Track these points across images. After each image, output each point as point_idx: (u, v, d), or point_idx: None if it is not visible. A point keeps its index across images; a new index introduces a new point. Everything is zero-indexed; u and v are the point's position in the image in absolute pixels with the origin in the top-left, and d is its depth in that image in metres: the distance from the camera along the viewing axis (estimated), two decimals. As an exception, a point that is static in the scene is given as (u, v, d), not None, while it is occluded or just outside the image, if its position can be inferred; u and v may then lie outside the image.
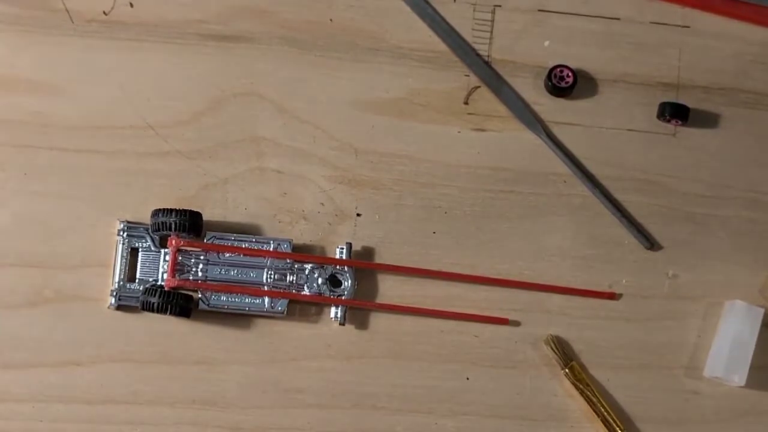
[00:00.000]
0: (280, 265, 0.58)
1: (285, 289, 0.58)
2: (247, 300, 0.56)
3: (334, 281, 0.58)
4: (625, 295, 0.60)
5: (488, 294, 0.60)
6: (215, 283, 0.57)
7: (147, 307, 0.56)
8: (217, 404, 0.57)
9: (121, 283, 0.57)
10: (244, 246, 0.57)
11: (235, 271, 0.57)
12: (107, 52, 0.59)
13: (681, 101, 0.62)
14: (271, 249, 0.58)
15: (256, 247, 0.57)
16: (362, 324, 0.59)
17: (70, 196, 0.58)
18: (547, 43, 0.62)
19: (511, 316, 0.60)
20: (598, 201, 0.61)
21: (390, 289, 0.59)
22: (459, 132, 0.61)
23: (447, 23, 0.61)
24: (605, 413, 0.58)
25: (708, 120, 0.62)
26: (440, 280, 0.59)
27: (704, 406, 0.60)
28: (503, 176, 0.61)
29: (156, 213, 0.56)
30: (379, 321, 0.59)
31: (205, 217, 0.57)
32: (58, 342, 0.57)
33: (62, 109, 0.58)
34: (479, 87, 0.61)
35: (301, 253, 0.58)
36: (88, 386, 0.56)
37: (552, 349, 0.59)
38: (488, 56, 0.62)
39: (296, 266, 0.58)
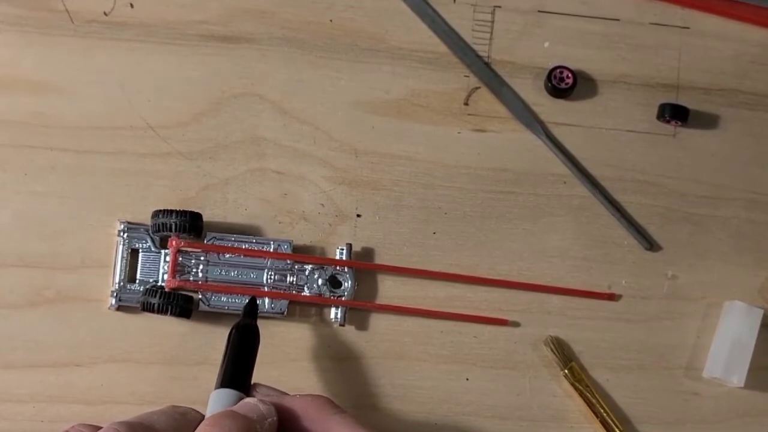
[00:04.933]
0: (280, 266, 0.58)
1: (285, 289, 0.58)
2: (247, 301, 0.56)
3: (334, 282, 0.58)
4: (625, 296, 0.61)
5: (488, 295, 0.60)
6: (215, 283, 0.57)
7: (147, 308, 0.56)
8: (217, 405, 0.57)
9: (122, 283, 0.57)
10: (244, 247, 0.57)
11: (236, 272, 0.57)
12: (108, 53, 0.59)
13: (681, 102, 0.62)
14: (272, 250, 0.58)
15: (256, 248, 0.58)
16: (362, 325, 0.59)
17: (70, 197, 0.58)
18: (546, 44, 0.62)
19: (510, 317, 0.60)
20: (598, 202, 0.61)
21: (390, 289, 0.59)
22: (459, 133, 0.61)
23: (447, 24, 0.61)
24: (604, 414, 0.58)
25: (708, 121, 0.62)
26: (440, 280, 0.59)
27: (703, 407, 0.60)
28: (503, 177, 0.61)
29: (156, 214, 0.56)
30: (379, 322, 0.59)
31: (205, 218, 0.57)
32: (58, 342, 0.57)
33: (62, 110, 0.59)
34: (479, 88, 0.61)
35: (302, 253, 0.58)
36: (89, 386, 0.56)
37: (551, 349, 0.59)
38: (488, 57, 0.62)
39: (296, 267, 0.58)
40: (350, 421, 0.48)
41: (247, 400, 0.48)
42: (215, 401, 0.49)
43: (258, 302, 0.56)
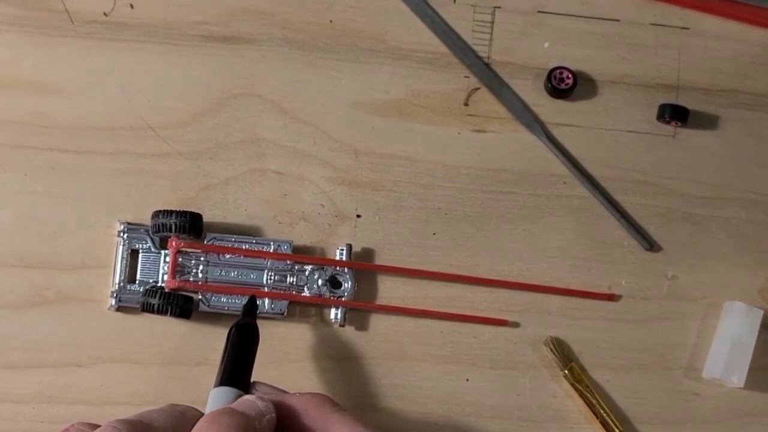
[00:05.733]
0: (280, 267, 0.58)
1: (285, 290, 0.58)
2: (247, 301, 0.56)
3: (334, 282, 0.58)
4: (625, 296, 0.61)
5: (488, 295, 0.60)
6: (215, 284, 0.57)
7: (147, 309, 0.56)
8: (217, 405, 0.57)
9: (122, 284, 0.57)
10: (244, 247, 0.57)
11: (236, 273, 0.57)
12: (107, 53, 0.59)
13: (681, 103, 0.62)
14: (272, 250, 0.58)
15: (256, 249, 0.58)
16: (362, 325, 0.59)
17: (70, 197, 0.58)
18: (546, 44, 0.62)
19: (510, 318, 0.60)
20: (598, 202, 0.61)
21: (390, 290, 0.59)
22: (459, 133, 0.61)
23: (447, 24, 0.61)
24: (604, 414, 0.58)
25: (707, 121, 0.62)
26: (440, 281, 0.59)
27: (703, 407, 0.60)
28: (503, 177, 0.61)
29: (156, 214, 0.56)
30: (379, 322, 0.59)
31: (205, 218, 0.57)
32: (58, 343, 0.57)
33: (62, 110, 0.59)
34: (479, 88, 0.61)
35: (301, 254, 0.58)
36: (89, 387, 0.56)
37: (551, 350, 0.59)
38: (488, 58, 0.62)
39: (296, 267, 0.58)
40: (349, 419, 0.48)
41: (246, 397, 0.48)
42: (214, 399, 0.49)
43: (258, 302, 0.56)
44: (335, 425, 0.47)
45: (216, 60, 0.60)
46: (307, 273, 0.58)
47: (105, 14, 0.60)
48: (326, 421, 0.48)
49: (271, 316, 0.57)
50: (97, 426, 0.48)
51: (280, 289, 0.58)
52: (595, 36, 0.62)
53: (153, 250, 0.57)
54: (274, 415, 0.47)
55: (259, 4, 0.61)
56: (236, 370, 0.50)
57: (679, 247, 0.61)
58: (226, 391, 0.49)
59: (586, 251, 0.61)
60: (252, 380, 0.51)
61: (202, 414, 0.49)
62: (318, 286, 0.58)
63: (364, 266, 0.59)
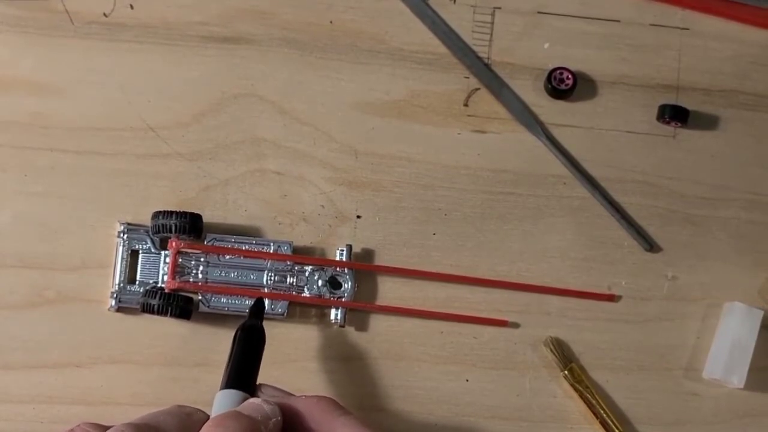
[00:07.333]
0: (280, 267, 0.58)
1: (285, 291, 0.58)
2: (247, 302, 0.56)
3: (334, 283, 0.58)
4: (625, 297, 0.61)
5: (488, 295, 0.60)
6: (215, 284, 0.57)
7: (147, 309, 0.56)
8: (217, 406, 0.57)
9: (122, 284, 0.57)
10: (244, 248, 0.57)
11: (236, 273, 0.57)
12: (108, 54, 0.59)
13: (681, 103, 0.62)
14: (272, 251, 0.58)
15: (256, 249, 0.58)
16: (362, 326, 0.59)
17: (70, 198, 0.58)
18: (546, 45, 0.62)
19: (510, 318, 0.60)
20: (598, 203, 0.61)
21: (390, 290, 0.59)
22: (459, 134, 0.61)
23: (447, 25, 0.61)
24: (604, 415, 0.59)
25: (708, 122, 0.62)
26: (440, 281, 0.59)
27: (703, 408, 0.60)
28: (503, 178, 0.61)
29: (156, 215, 0.56)
30: (379, 323, 0.59)
31: (205, 219, 0.57)
32: (58, 343, 0.57)
33: (62, 111, 0.59)
34: (479, 89, 0.61)
35: (301, 254, 0.58)
36: (89, 387, 0.57)
37: (551, 350, 0.59)
38: (488, 58, 0.62)
39: (296, 268, 0.58)
40: (355, 422, 0.48)
41: (252, 400, 0.48)
42: (220, 402, 0.49)
43: (259, 303, 0.56)
44: (340, 429, 0.47)
45: (216, 60, 0.60)
46: (307, 274, 0.58)
47: (105, 15, 0.60)
48: (331, 424, 0.48)
49: (271, 317, 0.57)
50: (102, 426, 0.48)
51: (280, 290, 0.58)
52: (595, 36, 0.62)
53: (153, 250, 0.57)
54: (279, 418, 0.47)
55: (259, 5, 0.61)
56: (242, 372, 0.50)
57: (679, 248, 0.61)
58: (232, 394, 0.49)
59: (585, 251, 0.61)
60: (257, 382, 0.51)
61: (209, 416, 0.49)
62: (318, 287, 0.58)
63: (364, 267, 0.59)
